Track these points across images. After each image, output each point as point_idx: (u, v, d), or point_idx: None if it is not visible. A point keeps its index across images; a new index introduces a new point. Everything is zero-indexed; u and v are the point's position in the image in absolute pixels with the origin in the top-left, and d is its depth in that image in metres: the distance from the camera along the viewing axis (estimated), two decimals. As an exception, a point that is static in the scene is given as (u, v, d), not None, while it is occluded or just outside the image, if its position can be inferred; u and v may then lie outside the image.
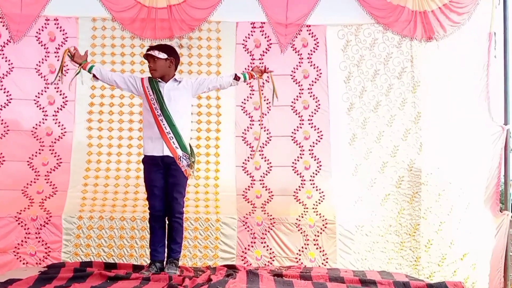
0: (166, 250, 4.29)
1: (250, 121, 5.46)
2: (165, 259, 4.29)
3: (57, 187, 5.25)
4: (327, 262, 5.17)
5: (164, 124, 4.16)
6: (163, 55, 4.23)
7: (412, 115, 5.43)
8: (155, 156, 4.21)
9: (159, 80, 4.27)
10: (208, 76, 4.39)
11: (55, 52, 5.37)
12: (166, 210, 4.26)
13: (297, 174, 5.42)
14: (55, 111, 5.35)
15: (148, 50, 4.29)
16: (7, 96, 5.28)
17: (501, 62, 5.39)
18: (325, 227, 5.23)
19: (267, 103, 5.44)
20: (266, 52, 5.51)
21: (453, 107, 5.36)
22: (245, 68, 5.46)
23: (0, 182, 5.16)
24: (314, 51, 5.51)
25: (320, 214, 5.28)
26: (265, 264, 5.12)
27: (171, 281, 3.83)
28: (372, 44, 5.49)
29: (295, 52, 5.50)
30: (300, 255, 5.20)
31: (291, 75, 5.49)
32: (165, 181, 4.24)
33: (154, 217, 4.27)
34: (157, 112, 4.17)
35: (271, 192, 5.38)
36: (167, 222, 4.29)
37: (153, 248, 4.29)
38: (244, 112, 5.47)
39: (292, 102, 5.48)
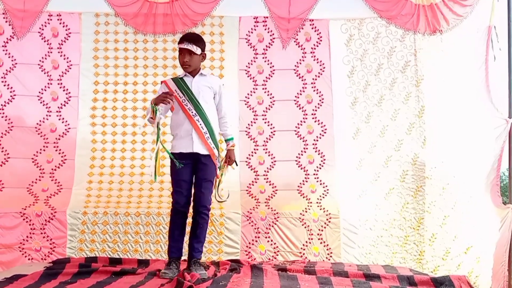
0: (183, 248, 4.11)
1: (254, 115, 5.44)
2: (188, 259, 4.10)
3: (62, 184, 5.25)
4: (331, 256, 5.17)
5: (200, 124, 4.01)
6: (199, 50, 4.03)
7: (416, 109, 5.41)
8: (183, 152, 4.04)
9: (186, 75, 4.10)
10: (223, 107, 4.23)
11: (58, 48, 5.37)
12: (189, 207, 4.09)
13: (301, 169, 5.41)
14: (58, 107, 5.34)
15: (182, 41, 4.01)
16: (10, 92, 5.28)
17: (505, 55, 5.36)
18: (329, 222, 5.23)
19: (270, 98, 5.46)
20: (269, 47, 5.49)
21: (457, 100, 5.33)
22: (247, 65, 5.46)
23: (5, 180, 5.17)
24: (317, 46, 5.48)
25: (324, 208, 5.27)
26: (269, 259, 5.13)
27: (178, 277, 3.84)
28: (376, 38, 5.46)
29: (298, 47, 5.48)
30: (304, 249, 5.20)
31: (294, 69, 5.48)
32: (193, 176, 4.08)
33: (178, 212, 4.05)
34: (192, 112, 4.01)
35: (275, 186, 5.38)
36: (191, 219, 4.11)
37: (172, 244, 4.07)
38: (247, 107, 5.45)
39: (295, 96, 5.46)
